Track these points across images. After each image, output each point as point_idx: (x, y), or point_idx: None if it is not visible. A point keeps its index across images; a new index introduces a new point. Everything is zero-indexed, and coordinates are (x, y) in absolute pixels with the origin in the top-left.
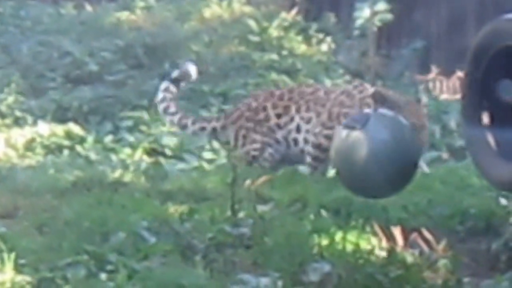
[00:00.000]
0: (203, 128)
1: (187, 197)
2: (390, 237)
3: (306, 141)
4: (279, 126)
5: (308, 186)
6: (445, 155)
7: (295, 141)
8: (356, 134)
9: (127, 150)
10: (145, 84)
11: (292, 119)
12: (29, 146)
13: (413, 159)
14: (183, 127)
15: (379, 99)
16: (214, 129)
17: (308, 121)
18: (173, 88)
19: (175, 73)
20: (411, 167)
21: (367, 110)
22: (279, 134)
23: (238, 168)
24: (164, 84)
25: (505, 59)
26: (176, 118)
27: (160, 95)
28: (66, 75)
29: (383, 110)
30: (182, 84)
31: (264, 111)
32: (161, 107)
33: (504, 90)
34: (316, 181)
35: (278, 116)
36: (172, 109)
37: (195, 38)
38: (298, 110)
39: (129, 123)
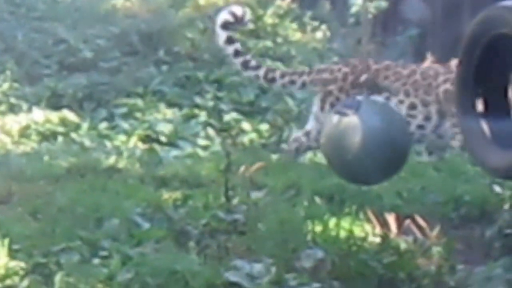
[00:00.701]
0: (292, 82)
1: (181, 183)
2: (384, 224)
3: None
4: None
5: (302, 172)
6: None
7: None
8: (348, 120)
9: (122, 137)
10: (140, 71)
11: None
12: (24, 132)
13: (404, 145)
14: (270, 81)
15: (371, 86)
16: (303, 83)
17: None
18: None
19: (222, 16)
20: (402, 154)
21: (358, 97)
22: None
23: (232, 155)
24: (221, 36)
25: (500, 47)
26: (261, 72)
27: (229, 49)
28: (61, 62)
29: (374, 97)
30: (236, 29)
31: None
32: (238, 62)
33: None
34: (310, 167)
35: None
36: (253, 63)
37: (190, 25)
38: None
39: (123, 110)
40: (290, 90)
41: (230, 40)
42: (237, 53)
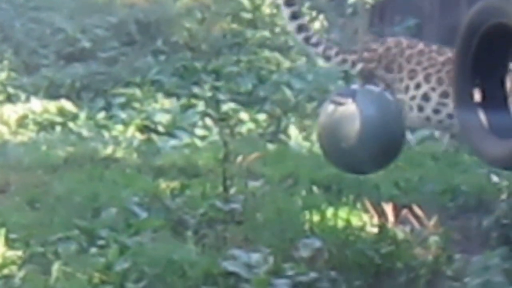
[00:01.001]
0: (344, 61)
1: (178, 173)
2: (381, 214)
3: (436, 112)
4: (406, 88)
5: (299, 162)
6: (437, 133)
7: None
8: (343, 110)
9: (119, 127)
10: (137, 61)
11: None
12: (22, 122)
13: (400, 134)
14: (327, 58)
15: (367, 75)
16: (353, 63)
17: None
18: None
19: None
20: (397, 143)
21: (354, 86)
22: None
23: (229, 145)
24: (286, 12)
25: (497, 36)
26: (320, 49)
27: (293, 24)
28: (59, 52)
29: (370, 86)
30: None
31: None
32: (300, 37)
33: None
34: (307, 157)
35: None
36: (314, 39)
37: (188, 15)
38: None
39: (121, 99)
40: (344, 69)
41: (294, 16)
42: (300, 28)
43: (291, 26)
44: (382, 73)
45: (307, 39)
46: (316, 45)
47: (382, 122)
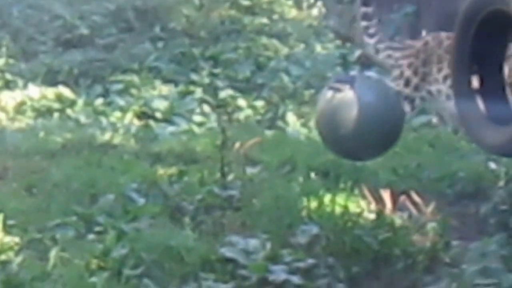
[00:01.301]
0: (389, 56)
1: (176, 159)
2: (379, 200)
3: None
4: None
5: (297, 148)
6: (435, 119)
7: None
8: (342, 96)
9: (117, 113)
10: (135, 48)
11: None
12: (20, 109)
13: (398, 121)
14: (376, 51)
15: (366, 62)
16: (396, 59)
17: None
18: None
19: None
20: (396, 129)
21: (353, 72)
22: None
23: (227, 131)
24: None
25: (495, 23)
26: (373, 41)
27: (361, 10)
28: (57, 39)
29: (368, 72)
30: None
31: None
32: (361, 25)
33: None
34: (305, 143)
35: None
36: (372, 30)
37: (186, 2)
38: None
39: (119, 86)
40: (389, 64)
41: (366, 2)
42: (364, 16)
43: (360, 11)
44: (418, 66)
45: (366, 28)
46: (371, 36)
47: (381, 108)
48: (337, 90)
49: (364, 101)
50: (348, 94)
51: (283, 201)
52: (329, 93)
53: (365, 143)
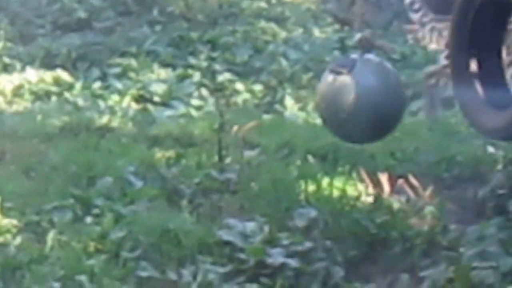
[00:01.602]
0: (433, 28)
1: (174, 142)
2: (377, 184)
3: None
4: None
5: (295, 132)
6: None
7: None
8: (343, 79)
9: (115, 97)
10: (133, 31)
11: None
12: (17, 92)
13: (399, 104)
14: (422, 24)
15: (366, 45)
16: (440, 32)
17: None
18: None
19: None
20: (396, 113)
21: (353, 55)
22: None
23: (225, 115)
24: None
25: (493, 8)
26: (418, 15)
27: None
28: (55, 22)
29: (369, 55)
30: None
31: None
32: (407, 1)
33: None
34: (303, 127)
35: None
36: (417, 5)
37: None
38: None
39: (117, 69)
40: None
41: None
42: None
43: None
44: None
45: (411, 4)
46: (416, 11)
47: (381, 91)
48: (338, 72)
49: (364, 84)
50: (348, 77)
51: (281, 185)
52: (330, 76)
53: (365, 126)
